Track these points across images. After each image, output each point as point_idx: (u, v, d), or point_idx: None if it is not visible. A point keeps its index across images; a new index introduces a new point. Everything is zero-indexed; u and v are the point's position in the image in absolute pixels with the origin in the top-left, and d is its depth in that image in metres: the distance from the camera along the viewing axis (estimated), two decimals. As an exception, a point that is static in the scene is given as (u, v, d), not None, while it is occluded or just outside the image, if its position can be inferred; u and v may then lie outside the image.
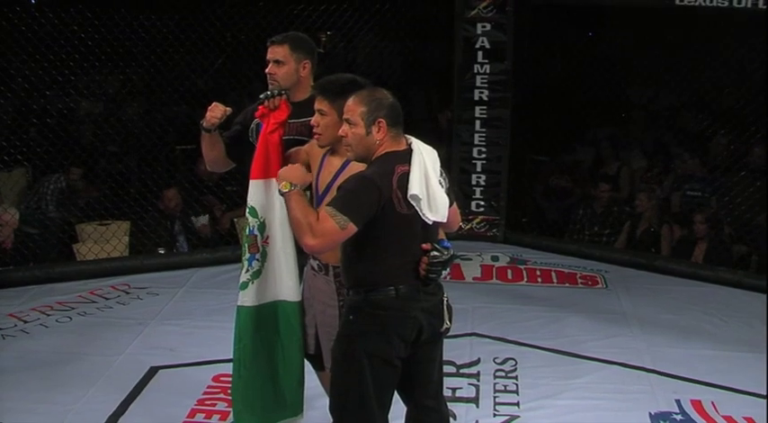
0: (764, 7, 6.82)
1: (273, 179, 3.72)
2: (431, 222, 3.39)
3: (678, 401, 4.97)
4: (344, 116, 3.40)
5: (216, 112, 4.10)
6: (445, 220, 3.47)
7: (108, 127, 8.29)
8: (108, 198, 7.85)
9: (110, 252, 7.41)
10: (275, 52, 4.11)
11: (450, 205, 3.52)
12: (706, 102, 9.20)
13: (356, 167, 3.48)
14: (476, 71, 7.95)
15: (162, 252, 7.57)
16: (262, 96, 3.90)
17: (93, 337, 5.81)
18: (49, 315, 6.22)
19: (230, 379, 4.98)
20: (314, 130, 3.64)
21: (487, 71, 7.94)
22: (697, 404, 4.95)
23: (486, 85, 7.96)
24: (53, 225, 7.65)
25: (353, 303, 3.46)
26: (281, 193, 3.41)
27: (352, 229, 3.26)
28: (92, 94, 8.69)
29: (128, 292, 6.70)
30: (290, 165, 3.59)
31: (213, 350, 5.49)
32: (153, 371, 5.27)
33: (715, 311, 6.43)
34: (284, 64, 4.10)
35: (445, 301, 3.53)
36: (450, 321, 3.56)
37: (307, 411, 4.13)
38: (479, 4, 7.85)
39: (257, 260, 3.90)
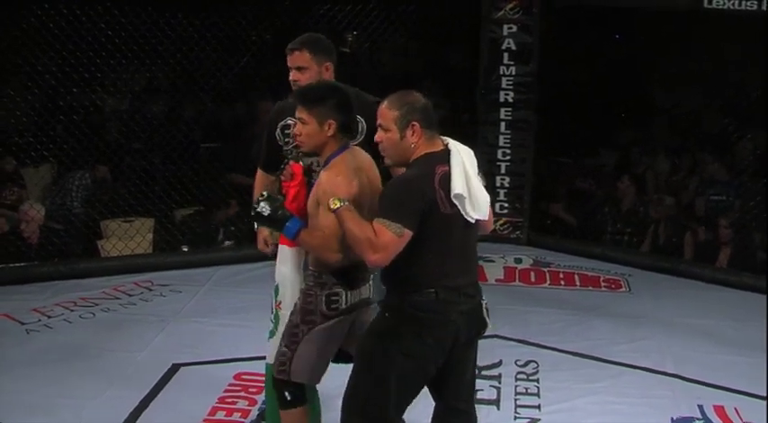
0: (754, 8, 6.82)
1: (294, 248, 3.85)
2: (473, 220, 3.37)
3: (701, 407, 4.94)
4: (378, 122, 3.38)
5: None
6: (486, 218, 3.46)
7: (133, 124, 8.33)
8: (133, 195, 7.89)
9: (133, 249, 7.44)
10: (296, 59, 4.09)
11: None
12: (732, 105, 9.13)
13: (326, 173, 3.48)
14: (501, 73, 7.94)
15: (185, 249, 7.60)
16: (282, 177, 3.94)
17: (116, 334, 5.84)
18: (72, 311, 6.26)
19: (252, 378, 5.06)
20: (297, 139, 3.63)
21: (513, 73, 7.93)
22: (720, 410, 4.92)
23: (511, 87, 7.96)
24: (78, 221, 7.70)
25: (392, 304, 3.41)
26: (332, 211, 3.35)
27: (409, 234, 3.24)
28: (118, 92, 8.74)
29: (151, 289, 6.74)
30: (331, 178, 3.48)
31: (235, 348, 5.52)
32: (175, 368, 5.28)
33: (739, 317, 6.38)
34: (307, 69, 4.08)
35: (484, 304, 3.49)
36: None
37: (325, 413, 4.13)
38: (506, 5, 7.84)
39: (272, 321, 3.98)
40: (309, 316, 3.64)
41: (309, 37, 4.19)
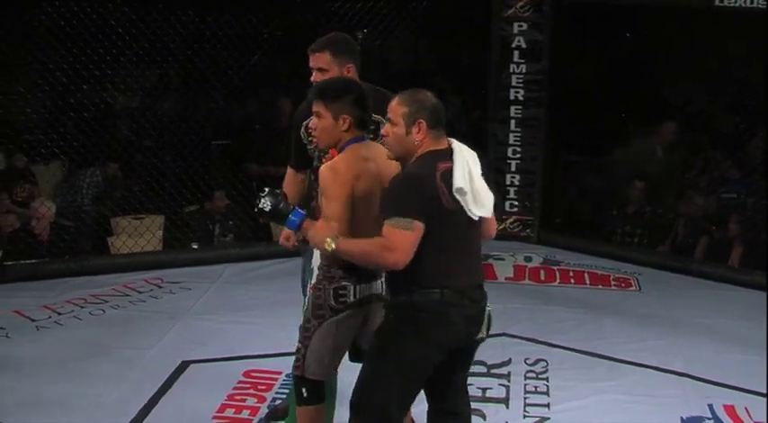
0: (765, 7, 6.79)
1: None
2: (476, 217, 3.37)
3: (711, 406, 4.92)
4: (387, 116, 3.43)
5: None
6: (491, 215, 3.46)
7: (144, 121, 8.34)
8: (143, 192, 7.90)
9: (144, 246, 7.46)
10: (317, 60, 4.06)
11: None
12: (743, 103, 9.09)
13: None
14: (512, 71, 7.93)
15: (195, 247, 7.61)
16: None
17: (126, 331, 5.85)
18: (82, 307, 6.27)
19: (261, 375, 5.06)
20: (312, 133, 3.68)
21: (523, 71, 7.91)
22: (730, 409, 4.90)
23: (521, 85, 7.94)
24: (88, 218, 7.72)
25: (396, 302, 3.42)
26: (329, 252, 3.38)
27: (419, 225, 3.24)
28: (129, 89, 8.75)
29: (161, 286, 6.75)
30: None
31: (244, 345, 5.52)
32: (184, 365, 5.29)
33: (750, 316, 6.34)
34: (327, 71, 4.05)
35: (487, 311, 3.46)
36: (488, 332, 3.49)
37: (339, 409, 4.13)
38: (516, 3, 7.82)
39: (304, 305, 3.94)
40: (319, 310, 3.65)
41: (333, 37, 4.15)
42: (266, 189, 3.62)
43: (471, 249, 3.45)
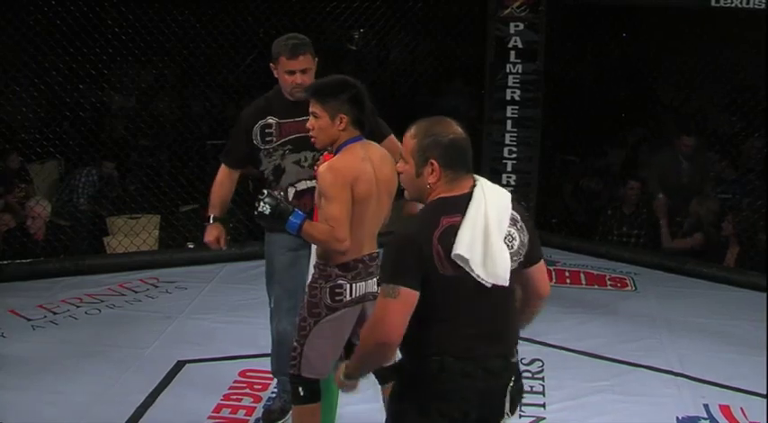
0: (762, 7, 6.79)
1: None
2: (489, 285, 2.82)
3: (706, 406, 4.93)
4: (402, 150, 2.96)
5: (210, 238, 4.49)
6: (506, 284, 2.85)
7: (140, 121, 8.34)
8: (139, 191, 7.90)
9: (139, 245, 7.45)
10: (302, 62, 4.19)
11: (536, 262, 3.01)
12: (739, 104, 9.11)
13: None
14: (508, 71, 7.92)
15: (191, 246, 7.60)
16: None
17: (122, 330, 5.85)
18: (78, 307, 6.26)
19: (257, 375, 5.06)
20: (310, 134, 3.68)
21: (519, 71, 7.90)
22: (725, 409, 4.91)
23: (517, 85, 7.93)
24: (84, 217, 7.71)
25: (399, 368, 3.01)
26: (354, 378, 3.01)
27: (407, 292, 2.74)
28: (124, 89, 8.75)
29: (156, 286, 6.74)
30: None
31: (240, 345, 5.52)
32: (180, 365, 5.29)
33: (745, 316, 6.36)
34: (310, 70, 4.22)
35: (510, 386, 2.92)
36: (513, 412, 2.96)
37: (342, 407, 4.13)
38: (513, 3, 7.81)
39: None
40: (315, 308, 3.65)
41: (301, 36, 4.30)
42: (265, 191, 3.61)
43: (490, 316, 2.90)
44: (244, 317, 6.00)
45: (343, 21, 7.89)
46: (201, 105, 8.65)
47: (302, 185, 4.24)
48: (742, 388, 5.17)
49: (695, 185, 8.15)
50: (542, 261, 3.03)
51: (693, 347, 5.76)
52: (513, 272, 2.86)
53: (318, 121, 3.59)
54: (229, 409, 4.77)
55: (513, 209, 2.92)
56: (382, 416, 3.92)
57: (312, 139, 3.69)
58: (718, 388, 5.17)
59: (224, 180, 4.46)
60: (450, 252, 2.76)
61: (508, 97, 7.96)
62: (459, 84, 9.17)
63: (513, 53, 7.89)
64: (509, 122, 8.00)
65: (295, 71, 4.17)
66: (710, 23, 8.25)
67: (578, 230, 8.29)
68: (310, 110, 3.62)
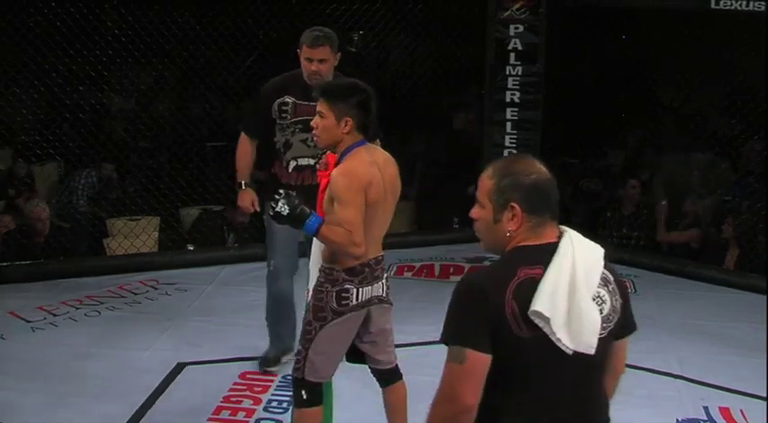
0: (761, 9, 6.80)
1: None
2: (570, 352, 2.34)
3: (706, 408, 4.93)
4: (477, 192, 2.51)
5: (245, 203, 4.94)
6: (592, 352, 2.38)
7: (140, 123, 8.34)
8: (138, 193, 7.90)
9: (139, 247, 7.45)
10: (320, 52, 4.63)
11: (628, 334, 2.64)
12: (738, 106, 9.11)
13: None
14: (508, 73, 7.92)
15: (191, 248, 7.60)
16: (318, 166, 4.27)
17: (122, 332, 5.84)
18: (78, 309, 6.26)
19: (257, 377, 5.06)
20: (313, 132, 3.71)
21: (519, 73, 7.91)
22: (725, 411, 4.90)
23: (517, 87, 7.94)
24: (84, 219, 7.72)
25: None
26: None
27: (476, 356, 2.28)
28: (124, 90, 8.75)
29: (156, 288, 6.74)
30: (335, 177, 3.55)
31: (240, 347, 5.51)
32: (180, 367, 5.28)
33: (745, 318, 6.36)
34: (327, 61, 4.65)
35: None
36: None
37: (339, 413, 4.12)
38: (512, 5, 7.82)
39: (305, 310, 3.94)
40: (321, 312, 3.64)
41: (326, 31, 4.73)
42: (281, 191, 3.60)
43: (572, 392, 2.43)
44: (244, 319, 5.99)
45: (342, 23, 7.89)
46: (201, 107, 8.65)
47: (303, 161, 4.78)
48: (742, 390, 5.16)
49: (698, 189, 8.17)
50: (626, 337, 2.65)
51: (693, 349, 5.76)
52: (601, 341, 2.42)
53: (324, 121, 3.60)
54: (229, 411, 4.76)
55: (605, 267, 2.48)
56: (382, 416, 3.93)
57: (315, 138, 3.71)
58: (717, 390, 5.17)
59: (247, 148, 4.93)
60: (527, 309, 2.31)
61: (508, 99, 7.97)
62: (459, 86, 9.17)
63: (512, 55, 7.89)
64: (509, 124, 8.01)
65: (313, 59, 4.63)
66: (710, 25, 8.26)
67: (578, 232, 8.26)
68: (317, 108, 3.63)
